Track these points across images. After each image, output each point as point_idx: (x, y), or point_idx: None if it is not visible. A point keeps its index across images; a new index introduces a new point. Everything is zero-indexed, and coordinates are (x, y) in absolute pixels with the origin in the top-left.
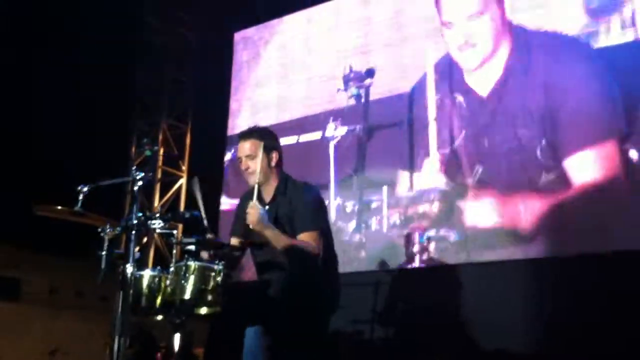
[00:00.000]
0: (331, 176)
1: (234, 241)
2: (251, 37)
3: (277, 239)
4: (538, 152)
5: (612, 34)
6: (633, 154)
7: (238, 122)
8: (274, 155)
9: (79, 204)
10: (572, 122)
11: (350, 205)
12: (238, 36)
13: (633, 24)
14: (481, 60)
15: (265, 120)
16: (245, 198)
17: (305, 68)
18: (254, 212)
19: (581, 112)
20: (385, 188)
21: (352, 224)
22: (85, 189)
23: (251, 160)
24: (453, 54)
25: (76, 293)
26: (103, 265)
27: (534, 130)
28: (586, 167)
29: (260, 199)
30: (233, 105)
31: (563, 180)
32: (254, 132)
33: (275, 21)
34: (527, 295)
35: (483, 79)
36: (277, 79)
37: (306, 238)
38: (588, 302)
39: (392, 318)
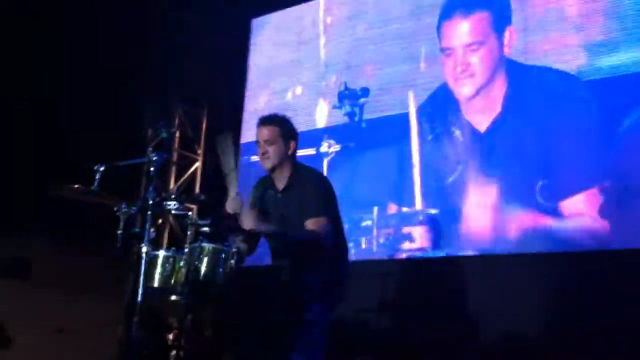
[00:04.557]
0: None
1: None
2: (268, 23)
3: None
4: (537, 193)
5: (608, 70)
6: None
7: (254, 107)
8: (292, 145)
9: (96, 184)
10: (564, 165)
11: None
12: (255, 22)
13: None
14: (476, 90)
15: (280, 107)
16: (258, 185)
17: (312, 68)
18: (247, 219)
19: (571, 155)
20: (375, 208)
21: None
22: (102, 168)
23: (269, 146)
24: (449, 83)
25: (88, 273)
26: (119, 244)
27: (531, 170)
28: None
29: (272, 186)
30: (249, 90)
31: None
32: (274, 119)
33: (294, 8)
34: (534, 290)
35: (481, 114)
36: (287, 73)
37: (313, 224)
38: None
39: (397, 308)
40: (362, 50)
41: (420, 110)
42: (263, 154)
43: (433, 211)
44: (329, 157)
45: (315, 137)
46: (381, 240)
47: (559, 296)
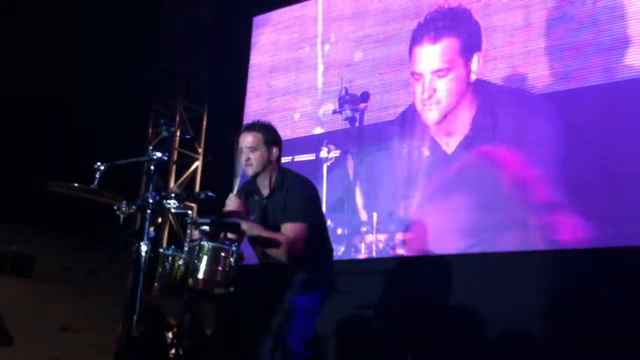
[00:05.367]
0: (323, 198)
1: None
2: (270, 21)
3: (252, 230)
4: (504, 210)
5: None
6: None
7: (255, 107)
8: (274, 151)
9: (95, 182)
10: (534, 186)
11: (340, 229)
12: (257, 20)
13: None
14: (443, 115)
15: (281, 107)
16: (242, 191)
17: (312, 69)
18: (231, 203)
19: (542, 176)
20: (375, 214)
21: (342, 248)
22: (102, 167)
23: (252, 152)
24: (417, 107)
25: (89, 271)
26: (119, 243)
27: (501, 188)
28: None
29: (257, 192)
30: (250, 89)
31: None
32: (256, 126)
33: (296, 6)
34: (533, 287)
35: (448, 137)
36: (289, 72)
37: (289, 228)
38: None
39: (396, 306)
40: (363, 51)
41: (394, 124)
42: (246, 160)
43: (429, 216)
44: (328, 162)
45: (315, 142)
46: (380, 246)
47: (558, 294)
